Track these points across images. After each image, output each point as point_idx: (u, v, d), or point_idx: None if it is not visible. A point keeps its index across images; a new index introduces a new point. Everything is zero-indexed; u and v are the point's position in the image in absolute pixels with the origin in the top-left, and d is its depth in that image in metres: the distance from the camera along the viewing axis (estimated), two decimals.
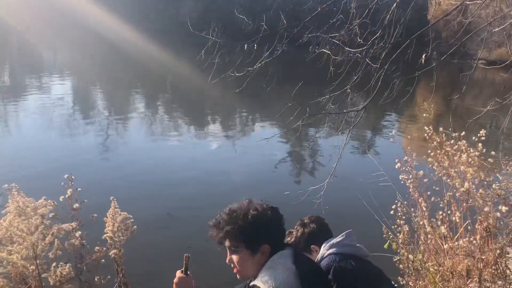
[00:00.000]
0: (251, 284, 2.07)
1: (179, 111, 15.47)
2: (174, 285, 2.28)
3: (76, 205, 1.92)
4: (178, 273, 2.31)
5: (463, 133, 3.98)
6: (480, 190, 3.43)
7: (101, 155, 9.56)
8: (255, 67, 5.10)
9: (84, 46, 36.19)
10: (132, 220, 2.21)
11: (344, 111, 4.30)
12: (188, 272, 2.30)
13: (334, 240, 2.70)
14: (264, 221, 2.12)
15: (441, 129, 4.09)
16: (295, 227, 2.89)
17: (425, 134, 4.04)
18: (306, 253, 2.82)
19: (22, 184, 2.32)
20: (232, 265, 2.22)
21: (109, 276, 2.12)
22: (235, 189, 7.63)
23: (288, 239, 2.86)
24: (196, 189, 7.57)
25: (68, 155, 9.28)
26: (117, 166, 8.76)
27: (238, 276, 2.25)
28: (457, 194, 3.56)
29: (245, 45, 5.01)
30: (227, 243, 2.18)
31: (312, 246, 2.80)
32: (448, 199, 3.61)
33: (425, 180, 3.94)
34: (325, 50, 4.59)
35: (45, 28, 40.66)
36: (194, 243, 5.53)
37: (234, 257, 2.18)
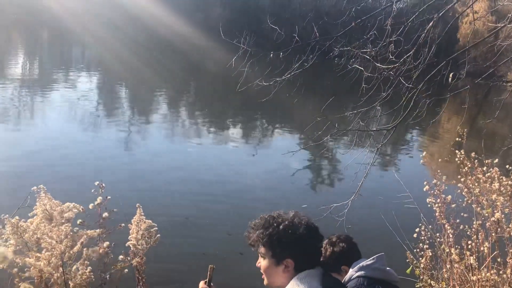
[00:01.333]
0: None
1: (203, 117, 15.51)
2: None
3: (105, 214, 1.89)
4: (202, 284, 2.28)
5: (496, 160, 3.86)
6: None
7: (123, 158, 9.62)
8: (284, 77, 5.06)
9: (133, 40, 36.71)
10: (156, 228, 2.17)
11: (375, 128, 4.21)
12: (212, 284, 2.26)
13: (364, 263, 2.61)
14: (294, 235, 2.07)
15: (473, 154, 3.98)
16: (324, 246, 2.81)
17: (457, 159, 3.93)
18: (335, 273, 2.74)
19: (46, 184, 2.31)
20: (261, 270, 2.20)
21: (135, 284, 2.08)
22: (254, 200, 7.57)
23: None
24: (216, 197, 7.53)
25: (92, 156, 9.34)
26: (137, 170, 8.78)
27: (264, 282, 2.22)
28: (487, 224, 3.44)
29: (280, 54, 4.97)
30: (257, 247, 2.16)
31: (342, 266, 2.71)
32: (476, 227, 3.49)
33: (453, 205, 3.83)
34: (357, 66, 4.51)
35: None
36: (210, 251, 5.51)
37: (262, 263, 2.16)
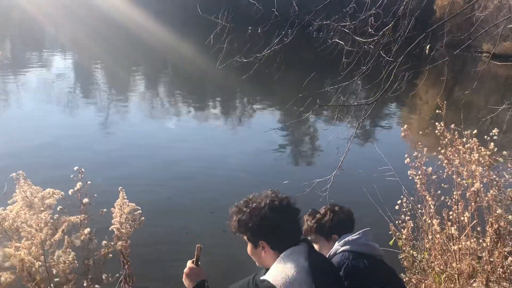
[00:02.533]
0: (261, 278, 2.05)
1: (182, 96, 15.31)
2: (184, 275, 2.24)
3: (85, 200, 1.85)
4: (189, 264, 2.27)
5: (475, 131, 3.91)
6: (491, 191, 3.37)
7: (102, 140, 9.44)
8: (263, 53, 4.99)
9: (86, 23, 35.76)
10: (140, 211, 2.14)
11: (355, 103, 4.21)
12: (199, 263, 2.26)
13: (350, 237, 2.64)
14: (258, 218, 2.09)
15: (452, 126, 4.02)
16: (324, 210, 2.82)
17: (436, 131, 3.97)
18: (324, 238, 2.77)
19: (24, 169, 2.24)
20: None
21: (117, 274, 2.06)
22: (237, 177, 7.56)
23: (310, 218, 2.78)
24: (198, 175, 7.50)
25: (70, 139, 9.15)
26: (117, 150, 8.65)
27: (257, 264, 2.26)
28: (467, 194, 3.50)
29: (259, 30, 4.89)
30: (237, 233, 2.19)
31: (334, 235, 2.74)
32: (457, 198, 3.56)
33: (434, 177, 3.88)
34: (337, 40, 4.48)
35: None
36: (194, 230, 5.51)
37: (248, 247, 2.19)
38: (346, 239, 2.63)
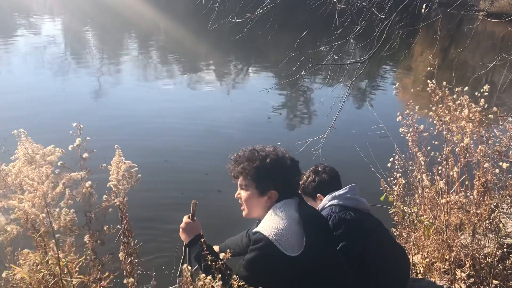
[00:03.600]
0: (254, 230, 2.12)
1: (174, 58, 15.15)
2: (181, 230, 2.33)
3: (85, 155, 1.90)
4: (185, 218, 2.36)
5: (466, 88, 3.95)
6: (480, 147, 3.45)
7: (96, 102, 9.43)
8: (256, 13, 4.95)
9: None
10: (137, 168, 2.20)
11: (348, 62, 4.22)
12: (195, 218, 2.35)
13: (337, 193, 2.74)
14: (281, 168, 2.15)
15: (444, 83, 4.05)
16: (308, 172, 2.92)
17: (428, 89, 4.00)
18: (311, 198, 2.88)
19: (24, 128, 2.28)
20: (240, 201, 2.28)
21: (118, 226, 2.13)
22: (231, 138, 7.62)
23: None
24: (192, 137, 7.54)
25: (65, 101, 9.15)
26: (111, 112, 8.65)
27: (243, 214, 2.32)
28: (456, 150, 3.57)
29: None
30: (240, 180, 2.21)
31: (318, 194, 2.84)
32: (446, 153, 3.63)
33: (425, 134, 3.94)
34: None
35: None
36: (189, 190, 5.61)
37: (243, 194, 2.23)
38: (334, 194, 2.74)
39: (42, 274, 1.88)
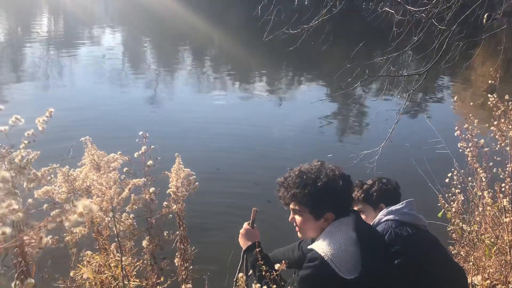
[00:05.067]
0: (309, 246, 2.08)
1: (228, 69, 15.42)
2: (240, 235, 2.36)
3: (150, 162, 1.98)
4: (245, 225, 2.39)
5: None
6: None
7: (152, 112, 9.78)
8: (311, 24, 4.95)
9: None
10: (195, 176, 2.26)
11: (406, 74, 4.13)
12: (255, 225, 2.38)
13: (393, 207, 2.67)
14: (333, 190, 2.06)
15: (506, 97, 3.88)
16: (372, 180, 2.86)
17: (489, 102, 3.84)
18: (372, 208, 2.81)
19: (82, 136, 2.41)
20: (294, 224, 2.23)
21: (177, 232, 2.20)
22: (283, 149, 7.64)
23: (357, 188, 2.82)
24: (244, 147, 7.63)
25: (124, 110, 9.54)
26: (167, 122, 8.94)
27: (299, 235, 2.28)
28: None
29: (305, 1, 4.85)
30: (292, 205, 2.17)
31: (381, 204, 2.77)
32: (510, 170, 3.46)
33: (486, 149, 3.79)
34: (388, 9, 4.37)
35: None
36: (239, 200, 5.67)
37: (297, 219, 2.17)
38: (390, 209, 2.65)
39: (106, 275, 1.97)
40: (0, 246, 0.94)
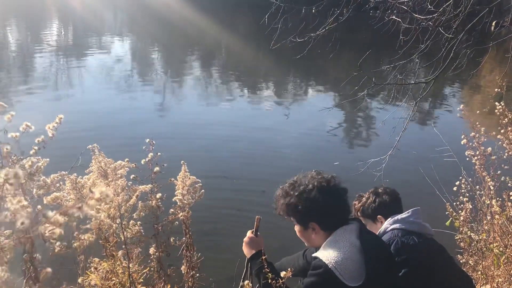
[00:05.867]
0: (313, 254, 2.10)
1: (236, 76, 15.47)
2: (244, 244, 2.37)
3: (157, 168, 2.01)
4: (249, 233, 2.40)
5: None
6: None
7: (159, 119, 9.83)
8: (318, 32, 4.97)
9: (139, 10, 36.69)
10: (200, 184, 2.28)
11: (413, 82, 4.13)
12: (258, 233, 2.38)
13: (399, 216, 2.66)
14: (313, 201, 2.09)
15: None
16: (367, 193, 2.87)
17: (496, 110, 3.83)
18: (371, 220, 2.81)
19: (91, 144, 2.43)
20: None
21: (183, 238, 2.21)
22: (290, 157, 7.63)
23: (356, 202, 2.84)
24: (251, 154, 7.64)
25: (133, 117, 9.61)
26: (175, 129, 8.98)
27: (306, 244, 2.31)
28: None
29: (313, 9, 4.87)
30: (285, 215, 2.22)
31: (378, 216, 2.77)
32: None
33: (493, 157, 3.77)
34: (395, 18, 4.38)
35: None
36: (245, 207, 5.68)
37: (295, 228, 2.24)
38: (396, 217, 2.64)
39: (113, 282, 1.98)
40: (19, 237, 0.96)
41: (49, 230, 0.90)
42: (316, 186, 2.11)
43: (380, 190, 2.86)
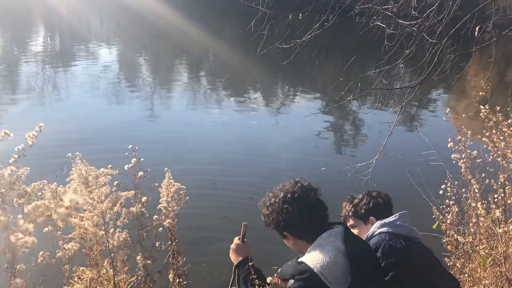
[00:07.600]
0: (299, 260, 2.11)
1: (223, 83, 15.46)
2: (231, 250, 2.36)
3: (140, 173, 1.99)
4: (236, 240, 2.40)
5: None
6: None
7: (147, 126, 9.76)
8: (304, 38, 5.00)
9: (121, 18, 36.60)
10: (185, 191, 2.27)
11: (398, 86, 4.17)
12: (245, 240, 2.38)
13: (387, 220, 2.67)
14: (281, 213, 2.14)
15: (498, 108, 3.91)
16: (361, 195, 2.87)
17: (481, 113, 3.87)
18: (362, 222, 2.82)
19: (77, 151, 2.40)
20: None
21: (169, 242, 2.20)
22: (277, 163, 7.62)
23: (348, 203, 2.84)
24: (238, 161, 7.62)
25: (119, 125, 9.53)
26: (161, 136, 8.92)
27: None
28: None
29: (299, 16, 4.90)
30: (266, 226, 2.27)
31: (371, 217, 2.77)
32: (503, 181, 3.48)
33: (479, 160, 3.81)
34: (379, 24, 4.42)
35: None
36: (233, 214, 5.66)
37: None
38: (383, 221, 2.66)
39: None
40: None
41: (19, 239, 0.88)
42: (283, 198, 2.15)
43: (374, 193, 2.88)
